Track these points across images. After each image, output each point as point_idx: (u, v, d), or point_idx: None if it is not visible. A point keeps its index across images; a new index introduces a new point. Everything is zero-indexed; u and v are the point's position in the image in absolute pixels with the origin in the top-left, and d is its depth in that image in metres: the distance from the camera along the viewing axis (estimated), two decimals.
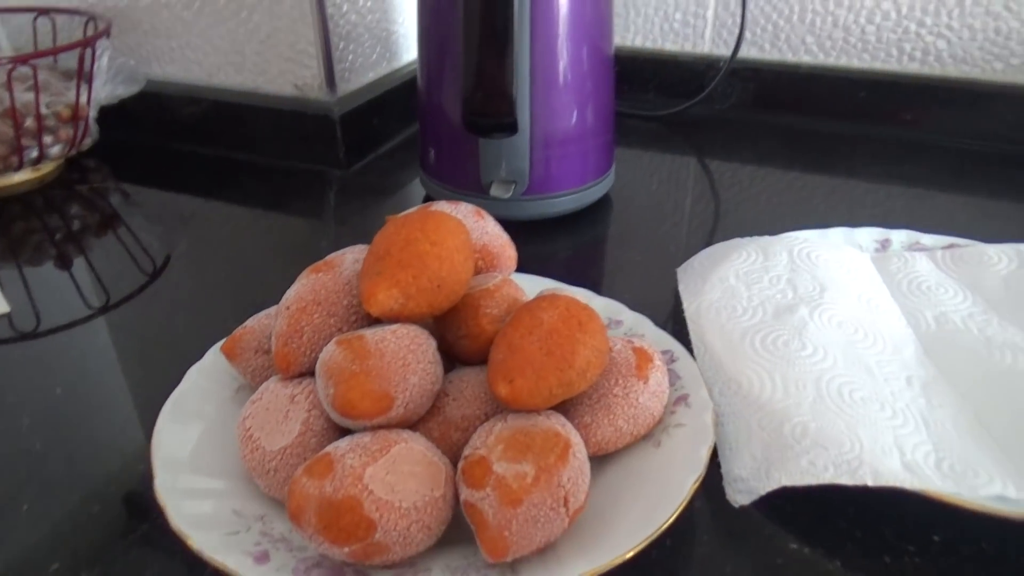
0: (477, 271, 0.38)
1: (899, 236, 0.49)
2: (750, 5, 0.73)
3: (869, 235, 0.49)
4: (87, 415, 0.41)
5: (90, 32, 0.71)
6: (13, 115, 0.63)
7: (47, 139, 0.67)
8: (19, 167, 0.66)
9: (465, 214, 0.39)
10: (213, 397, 0.37)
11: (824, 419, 0.33)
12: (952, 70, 0.70)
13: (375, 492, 0.26)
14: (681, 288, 0.46)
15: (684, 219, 0.59)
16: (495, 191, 0.54)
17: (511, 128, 0.49)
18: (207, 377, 0.38)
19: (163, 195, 0.67)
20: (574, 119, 0.55)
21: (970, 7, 0.67)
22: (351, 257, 0.35)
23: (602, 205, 0.61)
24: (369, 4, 0.71)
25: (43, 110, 0.66)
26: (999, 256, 0.45)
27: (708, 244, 0.51)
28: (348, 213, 0.63)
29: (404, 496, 0.26)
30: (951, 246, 0.48)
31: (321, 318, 0.33)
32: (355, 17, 0.69)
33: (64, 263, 0.57)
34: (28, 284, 0.54)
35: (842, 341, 0.38)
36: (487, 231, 0.39)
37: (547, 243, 0.57)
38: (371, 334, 0.30)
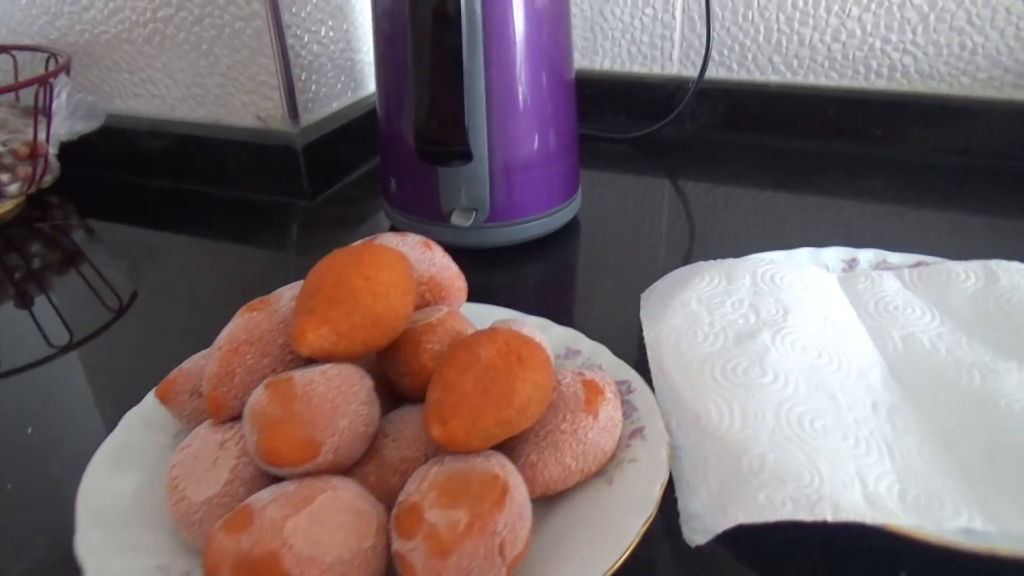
0: (425, 304, 0.37)
1: (866, 255, 0.48)
2: (715, 26, 0.73)
3: (836, 255, 0.48)
4: (49, 457, 0.39)
5: (52, 69, 0.70)
6: None
7: (4, 177, 0.66)
8: None
9: (412, 245, 0.38)
10: (150, 443, 0.35)
11: (783, 450, 0.31)
12: (919, 86, 0.69)
13: (296, 546, 0.24)
14: (643, 314, 0.44)
15: (659, 242, 0.58)
16: (456, 219, 0.53)
17: (465, 156, 0.48)
18: (145, 422, 0.36)
19: (129, 230, 0.66)
20: (535, 144, 0.54)
21: (934, 23, 0.66)
22: (289, 294, 0.34)
23: (570, 230, 0.60)
24: (331, 34, 0.70)
25: None
26: (967, 273, 0.44)
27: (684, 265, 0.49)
28: (311, 245, 0.62)
29: (329, 549, 0.25)
30: (919, 264, 0.46)
31: (254, 359, 0.31)
32: (317, 47, 0.69)
33: (24, 302, 0.55)
34: None
35: (805, 366, 0.37)
36: (435, 262, 0.37)
37: (513, 271, 0.55)
38: (300, 376, 0.28)
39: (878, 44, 0.69)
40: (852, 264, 0.48)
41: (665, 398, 0.36)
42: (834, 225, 0.59)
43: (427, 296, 0.37)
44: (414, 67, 0.46)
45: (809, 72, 0.72)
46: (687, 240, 0.58)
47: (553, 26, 0.52)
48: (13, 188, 0.67)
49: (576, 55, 0.80)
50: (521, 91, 0.52)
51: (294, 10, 0.65)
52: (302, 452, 0.27)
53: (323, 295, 0.29)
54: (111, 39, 0.71)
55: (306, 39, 0.67)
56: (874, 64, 0.70)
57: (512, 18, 0.49)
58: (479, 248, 0.56)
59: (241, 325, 0.32)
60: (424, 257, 0.37)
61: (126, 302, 0.54)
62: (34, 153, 0.67)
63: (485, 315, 0.42)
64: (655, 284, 0.47)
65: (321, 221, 0.65)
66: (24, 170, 0.67)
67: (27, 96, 0.70)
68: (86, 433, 0.41)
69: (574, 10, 0.77)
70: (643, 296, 0.47)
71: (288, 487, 0.26)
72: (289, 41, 0.65)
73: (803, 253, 0.49)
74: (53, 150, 0.69)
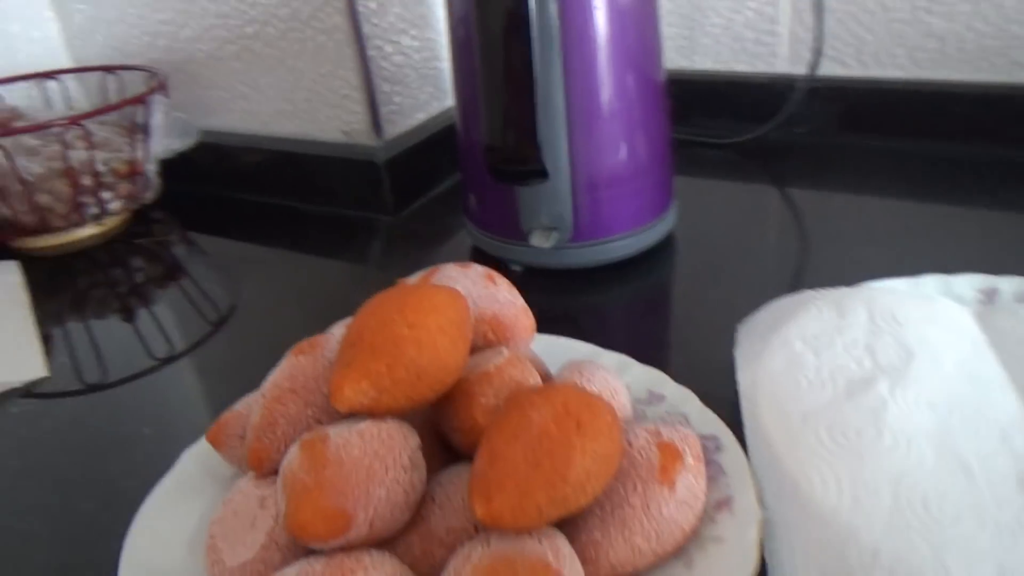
0: (488, 344, 0.34)
1: (1009, 284, 0.41)
2: (828, 18, 0.66)
3: (971, 283, 0.41)
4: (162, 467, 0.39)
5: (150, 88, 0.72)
6: (70, 173, 0.64)
7: (106, 195, 0.68)
8: (80, 223, 0.68)
9: (475, 279, 0.34)
10: (206, 488, 0.34)
11: (902, 539, 0.26)
12: None
13: None
14: (738, 353, 0.39)
15: (764, 261, 0.52)
16: (535, 240, 0.50)
17: (540, 174, 0.45)
18: (201, 463, 0.35)
19: (226, 244, 0.68)
20: (621, 156, 0.50)
21: None
22: (339, 334, 0.31)
23: (665, 248, 0.55)
24: (416, 44, 0.69)
25: (100, 167, 0.67)
26: None
27: (793, 290, 0.43)
28: (391, 262, 0.61)
29: None
30: None
31: (297, 408, 0.29)
32: (400, 58, 0.67)
33: (128, 315, 0.57)
34: (91, 337, 0.55)
35: (932, 427, 0.31)
36: (498, 298, 0.34)
37: (598, 295, 0.51)
38: (336, 434, 0.26)
39: (1018, 31, 0.60)
40: (991, 295, 0.41)
41: (759, 460, 0.31)
42: (970, 246, 0.51)
43: (489, 336, 0.33)
44: (484, 78, 0.43)
45: (937, 66, 0.64)
46: (797, 259, 0.52)
47: (640, 25, 0.48)
48: (115, 205, 0.69)
49: (672, 54, 0.74)
50: (604, 98, 0.48)
51: (375, 21, 0.63)
52: (332, 525, 0.24)
53: (364, 344, 0.26)
54: (206, 57, 0.72)
55: (388, 50, 0.66)
56: (1014, 55, 0.61)
57: (592, 19, 0.45)
58: (561, 270, 0.53)
59: (286, 371, 0.30)
60: (487, 292, 0.34)
61: (224, 315, 0.55)
62: (133, 171, 0.69)
63: (559, 349, 0.39)
64: (754, 316, 0.42)
65: (403, 238, 0.64)
66: (125, 188, 0.69)
67: (130, 115, 0.72)
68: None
69: (668, 5, 0.72)
70: (741, 329, 0.42)
71: (315, 565, 0.24)
72: (370, 53, 0.64)
73: (930, 281, 0.42)
74: (152, 168, 0.71)
